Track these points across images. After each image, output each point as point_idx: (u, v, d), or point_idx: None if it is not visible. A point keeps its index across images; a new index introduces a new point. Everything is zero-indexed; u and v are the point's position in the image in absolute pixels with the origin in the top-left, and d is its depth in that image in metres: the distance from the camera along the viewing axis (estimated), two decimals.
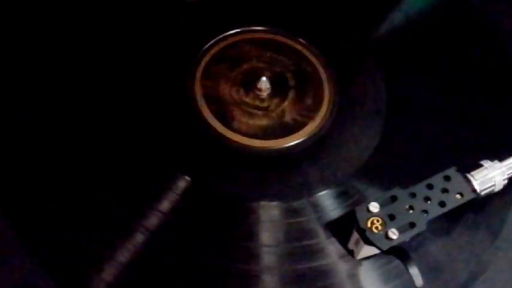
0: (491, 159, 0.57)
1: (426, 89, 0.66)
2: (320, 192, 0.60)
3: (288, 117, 0.64)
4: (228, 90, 0.65)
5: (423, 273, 0.55)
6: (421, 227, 0.54)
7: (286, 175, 0.61)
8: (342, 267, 0.56)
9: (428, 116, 0.64)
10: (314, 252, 0.56)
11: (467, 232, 0.57)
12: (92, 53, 0.65)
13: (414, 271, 0.54)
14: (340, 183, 0.60)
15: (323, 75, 0.67)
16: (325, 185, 0.60)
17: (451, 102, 0.65)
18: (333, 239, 0.57)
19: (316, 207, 0.59)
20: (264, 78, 0.64)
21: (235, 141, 0.62)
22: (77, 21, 0.67)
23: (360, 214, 0.54)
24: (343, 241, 0.56)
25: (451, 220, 0.57)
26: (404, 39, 0.69)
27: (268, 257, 0.56)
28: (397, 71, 0.67)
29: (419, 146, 0.63)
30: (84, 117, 0.61)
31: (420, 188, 0.55)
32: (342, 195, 0.60)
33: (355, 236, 0.54)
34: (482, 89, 0.66)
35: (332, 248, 0.56)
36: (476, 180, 0.56)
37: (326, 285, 0.55)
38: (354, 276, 0.55)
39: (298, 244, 0.57)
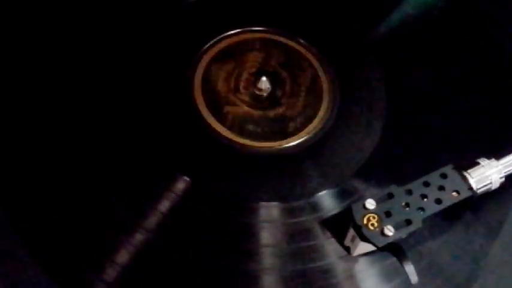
0: (488, 157, 0.57)
1: (425, 88, 0.66)
2: (320, 192, 0.60)
3: (286, 117, 0.64)
4: (228, 91, 0.65)
5: (421, 272, 0.55)
6: (417, 224, 0.54)
7: (286, 175, 0.61)
8: (342, 267, 0.56)
9: (427, 115, 0.64)
10: (314, 252, 0.56)
11: (466, 231, 0.57)
12: (91, 53, 0.65)
13: (409, 268, 0.55)
14: (340, 183, 0.60)
15: (323, 76, 0.67)
16: (325, 185, 0.60)
17: (450, 102, 0.65)
18: (333, 239, 0.57)
19: (316, 207, 0.59)
20: (264, 78, 0.65)
21: (236, 142, 0.63)
22: (76, 21, 0.67)
23: (356, 211, 0.54)
24: (340, 238, 0.56)
25: (450, 219, 0.57)
26: (404, 39, 0.69)
27: (268, 257, 0.56)
28: (397, 70, 0.67)
29: (419, 146, 0.63)
30: (84, 117, 0.62)
31: (416, 186, 0.56)
32: (342, 195, 0.60)
33: (352, 232, 0.54)
34: (481, 88, 0.66)
35: (332, 247, 0.56)
36: (472, 178, 0.56)
37: (326, 285, 0.55)
38: (353, 276, 0.55)
39: (298, 244, 0.57)
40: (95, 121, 0.61)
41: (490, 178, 0.56)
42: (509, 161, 0.57)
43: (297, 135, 0.63)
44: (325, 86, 0.67)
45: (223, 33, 0.69)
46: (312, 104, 0.65)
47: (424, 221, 0.54)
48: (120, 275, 0.54)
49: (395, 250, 0.55)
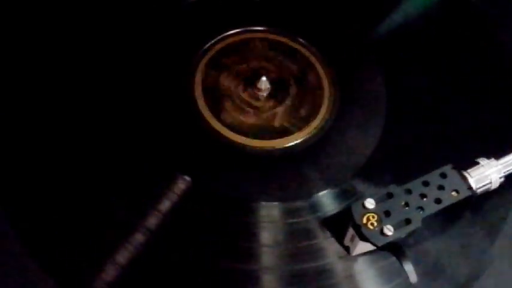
0: (488, 157, 0.57)
1: (426, 88, 0.66)
2: (320, 192, 0.60)
3: (287, 116, 0.65)
4: (228, 90, 0.65)
5: (422, 272, 0.55)
6: (416, 223, 0.54)
7: (286, 175, 0.61)
8: (342, 267, 0.56)
9: (427, 115, 0.64)
10: (314, 252, 0.56)
11: (466, 231, 0.57)
12: (91, 53, 0.65)
13: (409, 267, 0.55)
14: (340, 183, 0.60)
15: (323, 75, 0.67)
16: (325, 185, 0.60)
17: (450, 101, 0.65)
18: (333, 239, 0.57)
19: (316, 207, 0.59)
20: (264, 78, 0.65)
21: (236, 141, 0.63)
22: (77, 21, 0.67)
23: (355, 210, 0.54)
24: (340, 237, 0.56)
25: (450, 218, 0.57)
26: (405, 39, 0.69)
27: (268, 257, 0.56)
28: (397, 70, 0.67)
29: (419, 146, 0.63)
30: (84, 117, 0.62)
31: (416, 185, 0.56)
32: (342, 195, 0.60)
33: (351, 232, 0.54)
34: (481, 88, 0.66)
35: (332, 247, 0.56)
36: (472, 177, 0.56)
37: (326, 285, 0.55)
38: (353, 276, 0.55)
39: (298, 244, 0.57)
40: (95, 121, 0.61)
41: (489, 178, 0.56)
42: (509, 160, 0.58)
43: (297, 135, 0.63)
44: (325, 85, 0.67)
45: (223, 33, 0.69)
46: (312, 104, 0.65)
47: (424, 220, 0.54)
48: (120, 275, 0.54)
49: (394, 249, 0.55)
